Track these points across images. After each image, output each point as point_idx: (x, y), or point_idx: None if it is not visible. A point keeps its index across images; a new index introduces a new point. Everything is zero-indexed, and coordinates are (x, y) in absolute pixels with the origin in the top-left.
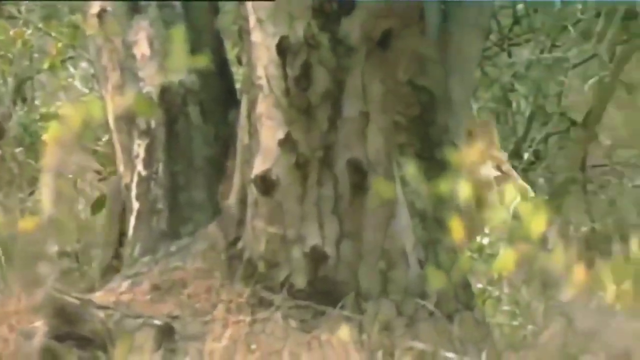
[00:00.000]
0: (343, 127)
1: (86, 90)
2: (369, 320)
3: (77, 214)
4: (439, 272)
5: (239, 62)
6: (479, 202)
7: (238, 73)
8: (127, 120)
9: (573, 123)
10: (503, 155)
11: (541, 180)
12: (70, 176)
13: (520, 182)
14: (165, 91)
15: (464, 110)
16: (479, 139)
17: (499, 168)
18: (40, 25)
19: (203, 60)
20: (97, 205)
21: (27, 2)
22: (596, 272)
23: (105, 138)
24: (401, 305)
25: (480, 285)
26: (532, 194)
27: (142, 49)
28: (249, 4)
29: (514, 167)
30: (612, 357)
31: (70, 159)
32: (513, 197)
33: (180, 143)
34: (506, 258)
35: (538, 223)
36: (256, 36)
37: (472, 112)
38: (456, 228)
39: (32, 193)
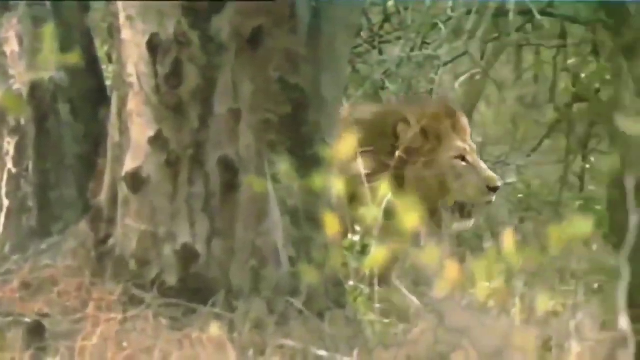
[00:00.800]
0: (214, 125)
1: None
2: (240, 318)
3: None
4: (311, 269)
5: (109, 59)
6: (351, 199)
7: (108, 70)
8: None
9: None
10: (472, 146)
11: None
12: None
13: (489, 173)
14: (35, 88)
15: (335, 108)
16: (450, 129)
17: (464, 158)
18: None
19: (73, 58)
20: None
21: None
22: (468, 269)
23: None
24: (272, 303)
25: (352, 283)
26: (499, 183)
27: (11, 46)
28: (119, 2)
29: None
30: (483, 355)
31: None
32: (385, 194)
33: (51, 140)
34: (378, 255)
35: (410, 220)
36: (126, 34)
37: (343, 110)
38: (328, 225)
39: None
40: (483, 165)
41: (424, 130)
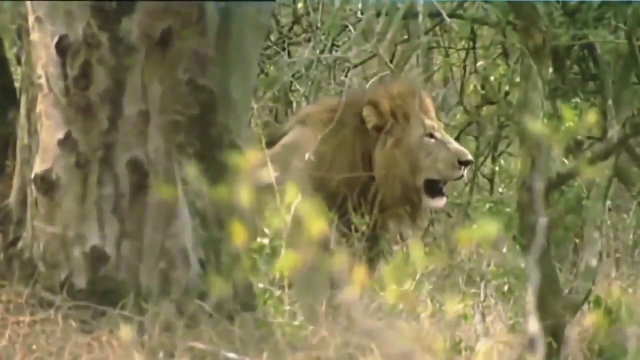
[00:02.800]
0: (123, 127)
1: None
2: (150, 320)
3: None
4: (220, 272)
5: (18, 61)
6: (260, 202)
7: (17, 72)
8: None
9: None
10: (439, 123)
11: None
12: None
13: (458, 147)
14: None
15: (244, 110)
16: (417, 107)
17: (432, 135)
18: None
19: None
20: None
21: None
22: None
23: None
24: (182, 306)
25: (261, 285)
26: (470, 156)
27: None
28: (28, 3)
29: None
30: (391, 357)
31: None
32: (293, 198)
33: None
34: (287, 259)
35: (318, 223)
36: (35, 35)
37: (252, 111)
38: (238, 228)
39: None
40: (452, 140)
41: (391, 111)
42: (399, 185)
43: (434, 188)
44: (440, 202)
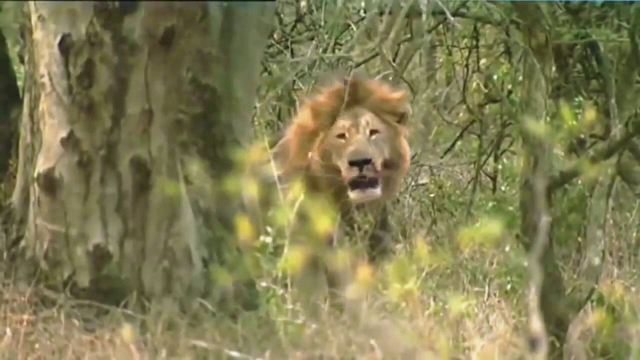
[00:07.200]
0: (126, 126)
1: None
2: (153, 319)
3: None
4: (223, 270)
5: (21, 60)
6: (264, 200)
7: (20, 71)
8: None
9: None
10: (365, 119)
11: None
12: None
13: (351, 148)
14: None
15: (247, 109)
16: (343, 105)
17: (342, 136)
18: None
19: None
20: None
21: None
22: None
23: None
24: (185, 304)
25: (264, 284)
26: (359, 156)
27: None
28: (31, 2)
29: None
30: (394, 356)
31: None
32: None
33: None
34: (290, 257)
35: (323, 222)
36: (38, 34)
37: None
38: (241, 227)
39: None
40: (356, 140)
41: (314, 112)
42: (332, 184)
43: (356, 185)
44: (357, 195)
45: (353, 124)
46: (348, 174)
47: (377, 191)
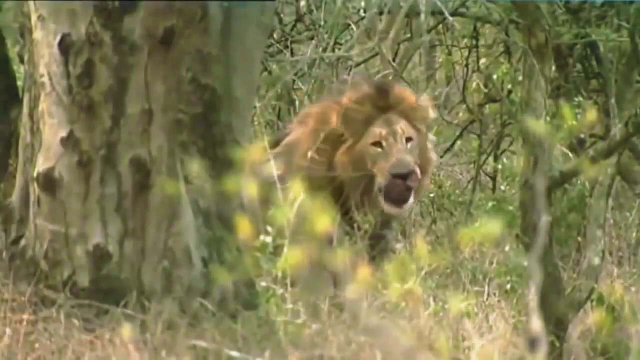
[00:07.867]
0: (126, 126)
1: None
2: (153, 319)
3: None
4: (223, 270)
5: (21, 60)
6: (264, 200)
7: (20, 71)
8: None
9: None
10: (401, 128)
11: None
12: None
13: (395, 159)
14: None
15: (247, 109)
16: (377, 112)
17: (380, 144)
18: None
19: None
20: None
21: None
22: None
23: None
24: (185, 304)
25: (264, 284)
26: (404, 170)
27: None
28: (31, 2)
29: None
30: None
31: None
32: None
33: None
34: (290, 257)
35: (322, 221)
36: (38, 34)
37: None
38: (241, 227)
39: None
40: (397, 151)
41: (345, 118)
42: (357, 189)
43: (388, 196)
44: (398, 210)
45: (389, 132)
46: (390, 185)
47: (412, 201)
